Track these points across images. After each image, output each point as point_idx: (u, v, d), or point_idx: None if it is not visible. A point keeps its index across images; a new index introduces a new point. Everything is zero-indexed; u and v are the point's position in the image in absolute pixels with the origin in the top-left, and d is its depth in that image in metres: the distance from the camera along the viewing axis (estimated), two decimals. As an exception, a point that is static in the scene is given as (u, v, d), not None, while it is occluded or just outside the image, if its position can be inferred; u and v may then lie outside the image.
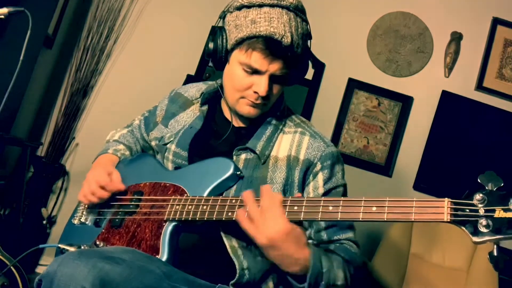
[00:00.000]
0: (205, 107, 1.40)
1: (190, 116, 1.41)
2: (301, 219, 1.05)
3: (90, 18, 3.01)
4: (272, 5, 1.19)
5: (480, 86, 2.92)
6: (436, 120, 2.91)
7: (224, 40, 1.26)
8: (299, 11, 1.23)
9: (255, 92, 1.23)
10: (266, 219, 1.03)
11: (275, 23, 1.17)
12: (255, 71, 1.22)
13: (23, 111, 2.68)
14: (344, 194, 1.33)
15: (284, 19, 1.18)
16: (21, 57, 1.50)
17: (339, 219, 1.02)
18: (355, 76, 2.98)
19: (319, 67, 2.98)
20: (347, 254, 1.21)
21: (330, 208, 1.03)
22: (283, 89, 1.31)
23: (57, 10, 2.75)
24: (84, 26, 3.02)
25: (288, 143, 1.31)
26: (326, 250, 1.20)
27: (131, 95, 2.97)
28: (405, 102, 2.95)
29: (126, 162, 1.47)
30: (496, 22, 2.96)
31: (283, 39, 1.16)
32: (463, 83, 2.95)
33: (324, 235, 1.26)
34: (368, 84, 2.97)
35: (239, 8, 1.22)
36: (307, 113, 2.91)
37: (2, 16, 1.49)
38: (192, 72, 2.91)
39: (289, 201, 1.07)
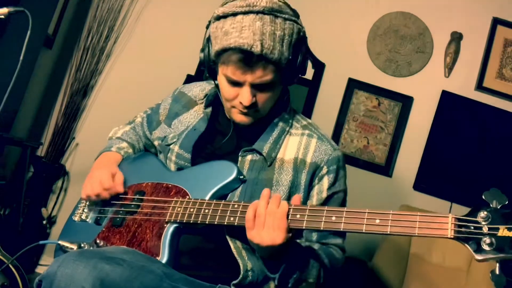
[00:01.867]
0: (209, 109, 1.40)
1: (194, 116, 1.41)
2: (303, 227, 1.06)
3: (90, 18, 3.01)
4: (245, 12, 1.16)
5: (480, 86, 2.92)
6: (436, 120, 2.91)
7: (209, 52, 1.26)
8: (277, 12, 1.18)
9: (241, 102, 1.23)
10: (268, 223, 1.06)
11: (246, 33, 1.14)
12: (235, 83, 1.22)
13: (23, 111, 2.68)
14: (344, 199, 1.34)
15: (256, 26, 1.14)
16: (21, 57, 1.49)
17: (341, 229, 1.03)
18: (355, 76, 2.98)
19: (319, 67, 2.98)
20: (328, 257, 1.24)
21: (333, 218, 1.04)
22: (275, 94, 1.27)
23: (57, 10, 2.75)
24: (84, 26, 3.02)
25: (295, 145, 1.31)
26: (308, 248, 1.23)
27: (131, 95, 2.97)
28: (405, 102, 2.95)
29: (129, 161, 1.46)
30: (496, 22, 2.95)
31: (252, 48, 1.14)
32: (463, 83, 2.95)
33: (314, 236, 1.28)
34: (368, 84, 2.97)
35: (218, 18, 1.21)
36: (307, 113, 2.91)
37: (2, 16, 1.49)
38: (192, 72, 2.91)
39: (291, 209, 1.08)
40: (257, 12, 1.16)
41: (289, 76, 1.28)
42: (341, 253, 1.29)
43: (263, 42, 1.14)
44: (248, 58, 1.16)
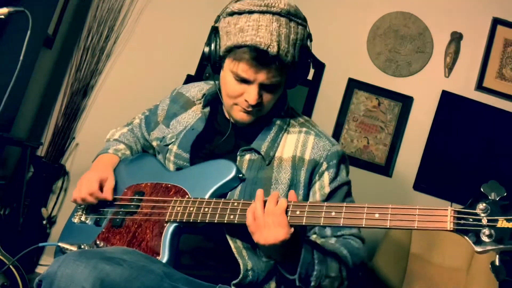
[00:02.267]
0: (207, 109, 1.40)
1: (192, 117, 1.41)
2: (303, 223, 1.06)
3: (90, 18, 3.01)
4: (262, 12, 1.17)
5: (480, 86, 2.92)
6: (436, 120, 2.91)
7: (218, 46, 1.25)
8: (292, 16, 1.19)
9: (246, 100, 1.23)
10: (268, 223, 1.07)
11: (262, 32, 1.14)
12: (244, 80, 1.22)
13: (23, 111, 2.67)
14: (349, 191, 1.33)
15: (273, 27, 1.15)
16: (21, 57, 1.50)
17: (341, 225, 1.03)
18: (355, 76, 2.98)
19: (319, 67, 2.98)
20: (346, 248, 1.22)
21: (333, 213, 1.04)
22: (278, 95, 1.29)
23: (57, 10, 2.75)
24: (84, 26, 3.01)
25: (293, 143, 1.31)
26: (323, 244, 1.22)
27: (131, 95, 2.97)
28: (405, 102, 2.95)
29: (127, 162, 1.46)
30: (496, 22, 2.95)
31: (269, 48, 1.14)
32: (463, 83, 2.95)
33: (328, 231, 1.27)
34: (368, 84, 2.97)
35: (231, 14, 1.21)
36: (307, 113, 2.91)
37: (2, 16, 1.49)
38: (192, 72, 2.91)
39: (291, 205, 1.08)
40: (274, 13, 1.17)
41: (293, 79, 1.29)
42: (360, 242, 1.27)
43: (280, 43, 1.15)
44: (262, 58, 1.16)
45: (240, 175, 1.24)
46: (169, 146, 1.38)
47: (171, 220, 1.20)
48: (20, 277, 1.93)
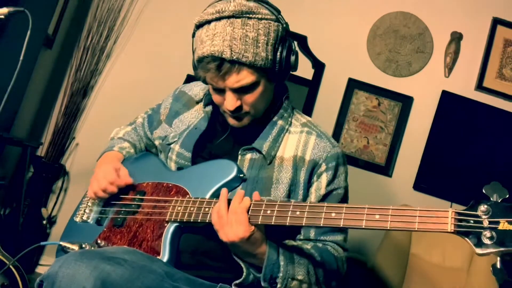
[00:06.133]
0: (209, 108, 1.40)
1: (195, 116, 1.41)
2: (303, 224, 1.06)
3: (90, 18, 3.01)
4: (217, 19, 1.17)
5: (480, 86, 2.92)
6: (436, 120, 2.91)
7: (194, 61, 1.29)
8: (248, 14, 1.17)
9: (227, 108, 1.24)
10: (230, 221, 1.09)
11: (217, 40, 1.15)
12: (217, 89, 1.23)
13: (23, 111, 2.68)
14: (345, 196, 1.33)
15: (226, 32, 1.15)
16: (21, 57, 1.50)
17: (341, 226, 1.02)
18: (355, 76, 2.98)
19: (319, 67, 2.98)
20: (321, 254, 1.22)
21: (333, 214, 1.04)
22: (263, 93, 1.25)
23: (57, 10, 2.75)
24: (84, 26, 3.02)
25: (294, 143, 1.31)
26: (295, 247, 1.22)
27: (131, 95, 2.97)
28: (405, 102, 2.95)
29: (130, 161, 1.47)
30: (496, 22, 2.95)
31: (222, 55, 1.14)
32: (463, 83, 2.95)
33: (312, 233, 1.27)
34: (368, 84, 2.97)
35: (197, 27, 1.23)
36: (307, 113, 2.91)
37: (2, 16, 1.49)
38: (192, 72, 2.91)
39: (291, 205, 1.08)
40: (228, 17, 1.16)
41: (276, 73, 1.25)
42: (340, 250, 1.27)
43: (232, 47, 1.15)
44: (221, 65, 1.17)
45: (242, 175, 1.24)
46: (172, 145, 1.38)
47: (172, 219, 1.21)
48: (20, 277, 1.93)
